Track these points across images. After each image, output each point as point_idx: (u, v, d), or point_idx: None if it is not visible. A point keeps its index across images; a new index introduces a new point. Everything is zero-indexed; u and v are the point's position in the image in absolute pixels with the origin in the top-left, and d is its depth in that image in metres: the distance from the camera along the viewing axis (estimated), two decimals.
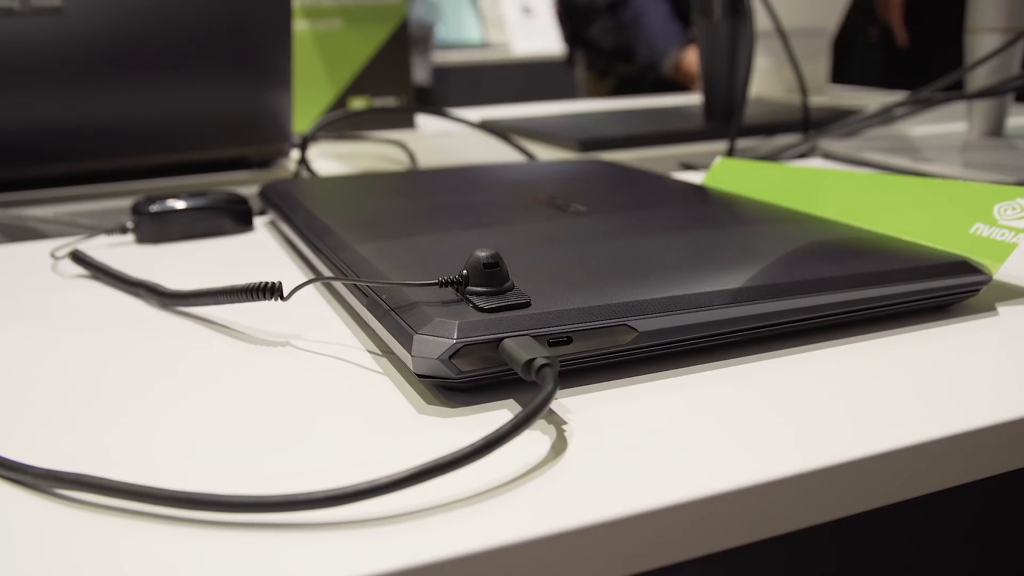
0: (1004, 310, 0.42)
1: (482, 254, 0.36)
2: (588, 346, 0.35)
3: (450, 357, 0.33)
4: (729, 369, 0.37)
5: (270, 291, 0.41)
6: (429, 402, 0.34)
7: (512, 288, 0.36)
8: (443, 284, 0.36)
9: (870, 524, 0.32)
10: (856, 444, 0.30)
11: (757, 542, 0.29)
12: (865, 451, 0.30)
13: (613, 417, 0.33)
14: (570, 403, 0.34)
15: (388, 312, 0.36)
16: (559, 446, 0.31)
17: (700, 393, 0.35)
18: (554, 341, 0.34)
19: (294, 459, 0.30)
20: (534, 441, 0.31)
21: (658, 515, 0.27)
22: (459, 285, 0.36)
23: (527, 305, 0.35)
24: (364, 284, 0.39)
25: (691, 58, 1.74)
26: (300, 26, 1.04)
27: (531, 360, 0.32)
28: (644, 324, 0.35)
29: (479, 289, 0.36)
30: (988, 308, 0.43)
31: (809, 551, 0.32)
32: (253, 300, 0.42)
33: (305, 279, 0.51)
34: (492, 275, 0.36)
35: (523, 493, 0.28)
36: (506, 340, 0.33)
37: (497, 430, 0.28)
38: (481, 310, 0.35)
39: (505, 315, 0.34)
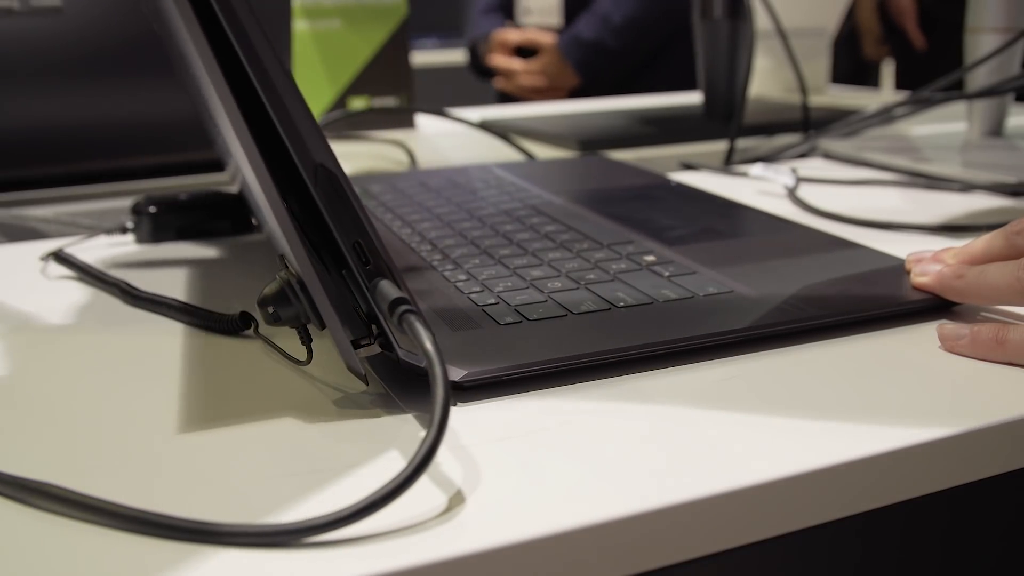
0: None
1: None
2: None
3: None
4: (728, 367, 0.37)
5: (235, 324, 0.41)
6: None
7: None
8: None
9: (855, 529, 0.32)
10: (840, 448, 0.30)
11: (724, 551, 0.29)
12: (850, 455, 0.30)
13: (566, 424, 0.33)
14: (526, 409, 0.34)
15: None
16: (501, 460, 0.31)
17: (690, 394, 0.35)
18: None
19: (288, 459, 0.31)
20: (499, 451, 0.31)
21: (605, 528, 0.27)
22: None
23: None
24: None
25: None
26: (300, 26, 1.04)
27: (392, 311, 0.31)
28: None
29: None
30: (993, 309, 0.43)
31: (776, 561, 0.32)
32: (217, 333, 0.42)
33: None
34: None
35: (476, 507, 0.28)
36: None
37: (421, 444, 0.27)
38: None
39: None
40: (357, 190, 0.63)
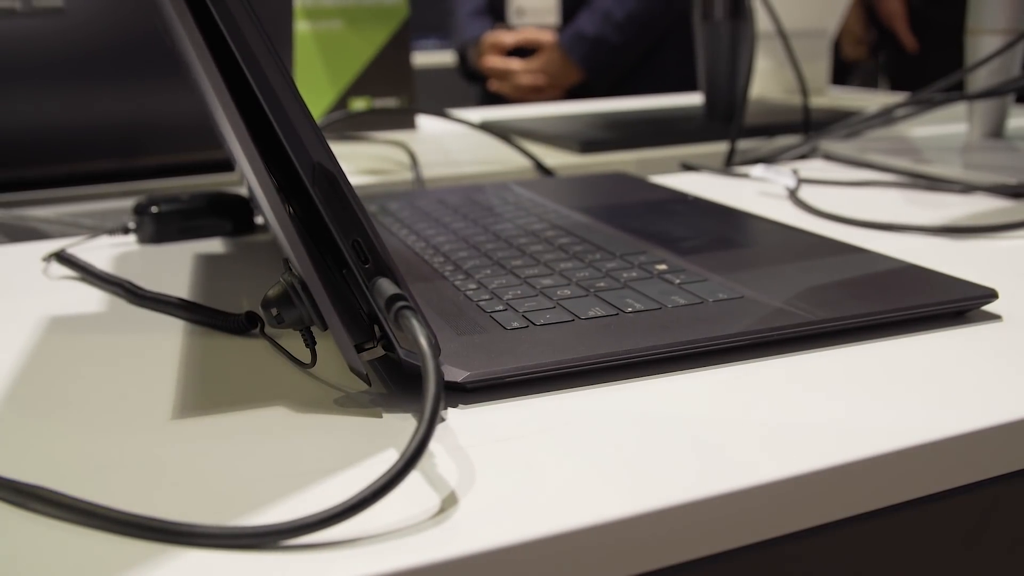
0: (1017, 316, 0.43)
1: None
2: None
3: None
4: (734, 371, 0.37)
5: (241, 323, 0.41)
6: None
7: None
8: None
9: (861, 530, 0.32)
10: (832, 452, 0.30)
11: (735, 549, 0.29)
12: (839, 459, 0.30)
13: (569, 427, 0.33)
14: (516, 413, 0.34)
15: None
16: (488, 462, 0.31)
17: (689, 396, 0.35)
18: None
19: (286, 459, 0.31)
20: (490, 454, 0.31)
21: (590, 532, 0.27)
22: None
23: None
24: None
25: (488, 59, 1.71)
26: (301, 26, 1.04)
27: (389, 308, 0.31)
28: None
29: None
30: (1003, 315, 0.43)
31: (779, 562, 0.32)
32: (223, 331, 0.42)
33: None
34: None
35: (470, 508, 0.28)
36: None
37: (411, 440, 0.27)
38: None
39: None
40: (374, 207, 0.64)
